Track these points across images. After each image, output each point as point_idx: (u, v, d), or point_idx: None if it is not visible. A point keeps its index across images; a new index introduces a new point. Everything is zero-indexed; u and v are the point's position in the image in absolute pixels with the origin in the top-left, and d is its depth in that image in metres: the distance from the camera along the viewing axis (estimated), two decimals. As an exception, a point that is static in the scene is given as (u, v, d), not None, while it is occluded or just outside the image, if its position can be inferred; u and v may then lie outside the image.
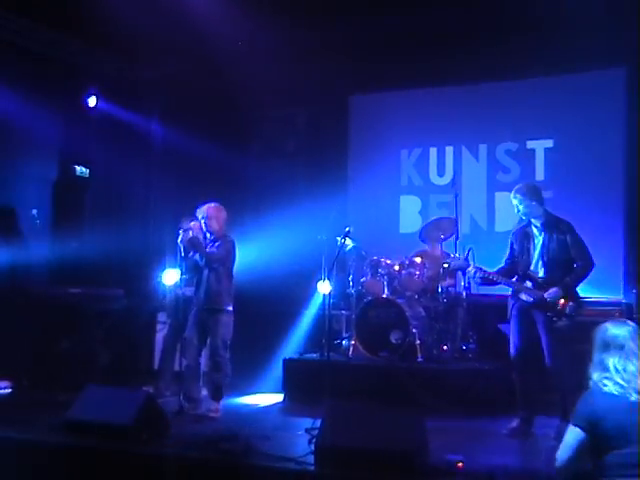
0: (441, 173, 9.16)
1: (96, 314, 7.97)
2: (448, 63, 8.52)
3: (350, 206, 9.39)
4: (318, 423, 4.98)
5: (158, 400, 5.82)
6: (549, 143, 8.63)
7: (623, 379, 3.64)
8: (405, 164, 9.39)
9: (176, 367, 7.06)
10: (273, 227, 8.53)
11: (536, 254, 5.98)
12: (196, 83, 9.16)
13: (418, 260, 7.91)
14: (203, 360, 6.75)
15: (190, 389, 6.54)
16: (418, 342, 7.43)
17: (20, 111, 7.79)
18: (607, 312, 7.55)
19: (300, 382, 7.50)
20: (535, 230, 6.03)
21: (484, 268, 6.10)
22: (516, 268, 6.07)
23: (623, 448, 3.52)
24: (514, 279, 6.03)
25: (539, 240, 5.99)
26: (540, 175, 8.62)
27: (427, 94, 9.27)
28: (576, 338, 7.05)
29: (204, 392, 6.74)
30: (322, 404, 5.35)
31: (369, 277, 8.05)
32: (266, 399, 7.63)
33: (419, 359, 7.40)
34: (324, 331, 7.22)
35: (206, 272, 6.59)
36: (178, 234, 6.65)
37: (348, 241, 7.42)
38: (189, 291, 6.88)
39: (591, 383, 3.76)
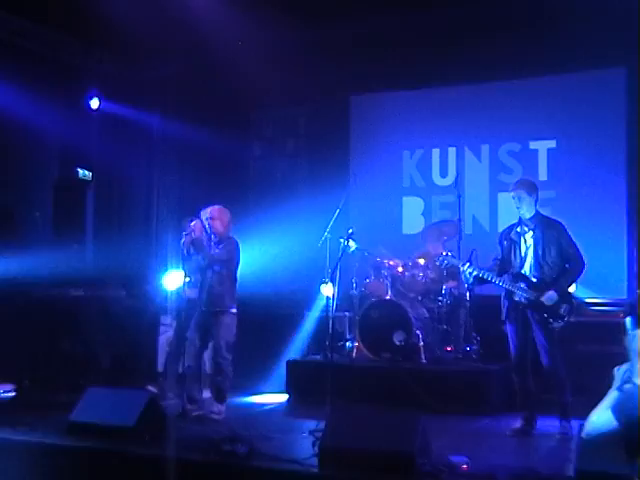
0: (443, 174, 9.14)
1: (98, 316, 7.96)
2: (450, 63, 8.49)
3: (352, 207, 9.37)
4: (322, 425, 4.97)
5: (161, 402, 5.81)
6: (552, 143, 8.61)
7: None
8: (407, 165, 9.37)
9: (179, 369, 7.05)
10: (275, 228, 8.51)
11: (528, 254, 5.98)
12: (197, 83, 9.15)
13: (421, 261, 7.90)
14: (206, 362, 6.74)
15: (191, 390, 6.52)
16: (421, 343, 7.42)
17: (21, 112, 7.78)
18: (610, 313, 7.55)
19: (303, 384, 7.50)
20: (526, 229, 6.02)
21: (475, 267, 6.10)
22: (507, 268, 6.06)
23: None
24: (506, 279, 6.01)
25: (530, 240, 5.98)
26: (543, 175, 8.59)
27: (429, 94, 9.24)
28: (577, 339, 7.08)
29: (207, 394, 6.72)
30: (326, 406, 5.34)
31: (372, 278, 8.03)
32: (270, 398, 7.64)
33: (422, 360, 7.39)
34: (327, 333, 7.20)
35: (209, 274, 6.56)
36: (181, 235, 6.63)
37: (351, 243, 7.42)
38: (192, 293, 6.86)
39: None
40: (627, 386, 3.93)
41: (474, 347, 7.63)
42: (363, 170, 9.30)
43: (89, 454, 5.12)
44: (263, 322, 8.48)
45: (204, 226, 6.64)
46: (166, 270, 7.71)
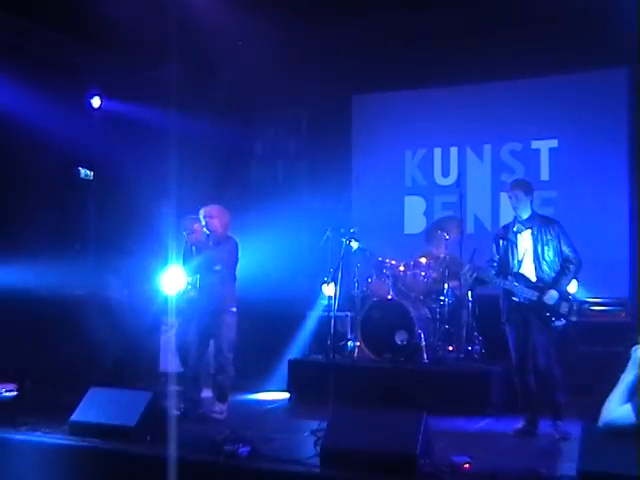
0: (445, 174, 9.13)
1: (100, 316, 7.96)
2: (452, 63, 8.50)
3: (354, 207, 9.37)
4: (324, 425, 4.96)
5: (163, 402, 5.81)
6: (554, 143, 8.61)
7: None
8: (409, 165, 9.37)
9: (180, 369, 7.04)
10: (277, 228, 8.51)
11: (526, 254, 5.95)
12: (198, 82, 9.15)
13: (423, 261, 7.88)
14: (208, 361, 6.73)
15: (192, 390, 6.52)
16: (423, 343, 7.41)
17: (22, 112, 7.78)
18: (612, 314, 7.54)
19: (305, 384, 7.50)
20: (522, 228, 5.99)
21: (475, 269, 6.09)
22: (505, 268, 6.03)
23: None
24: (507, 279, 5.98)
25: (528, 239, 5.95)
26: (545, 175, 8.59)
27: (431, 94, 9.25)
28: (579, 339, 7.07)
29: (209, 393, 6.72)
30: (327, 406, 5.33)
31: (374, 278, 8.02)
32: (272, 397, 7.65)
33: (424, 360, 7.38)
34: (329, 333, 7.19)
35: (209, 274, 6.56)
36: (182, 235, 6.62)
37: (353, 242, 7.41)
38: (193, 293, 6.85)
39: None
40: None
41: (476, 347, 7.62)
42: (365, 170, 9.31)
43: (90, 454, 5.11)
44: (265, 322, 8.48)
45: (203, 225, 6.64)
46: (167, 270, 7.69)
